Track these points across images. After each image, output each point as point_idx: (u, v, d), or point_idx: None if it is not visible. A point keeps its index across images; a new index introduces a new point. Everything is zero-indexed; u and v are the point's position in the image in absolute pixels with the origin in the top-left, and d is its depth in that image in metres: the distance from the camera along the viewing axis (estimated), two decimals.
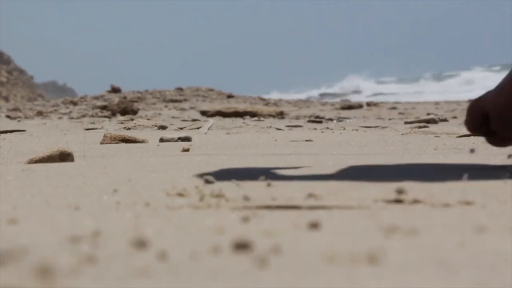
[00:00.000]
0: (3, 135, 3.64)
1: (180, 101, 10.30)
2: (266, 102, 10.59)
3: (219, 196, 1.33)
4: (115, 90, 11.26)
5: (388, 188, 1.40)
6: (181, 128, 4.22)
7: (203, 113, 6.45)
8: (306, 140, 2.79)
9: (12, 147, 2.76)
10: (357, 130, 3.74)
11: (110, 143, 2.78)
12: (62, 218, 1.13)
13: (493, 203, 1.25)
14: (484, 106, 1.85)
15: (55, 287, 0.72)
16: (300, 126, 3.93)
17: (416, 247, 0.90)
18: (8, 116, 6.76)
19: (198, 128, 4.10)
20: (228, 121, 5.57)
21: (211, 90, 11.77)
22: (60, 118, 6.55)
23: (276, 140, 2.84)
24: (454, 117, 6.05)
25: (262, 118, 5.98)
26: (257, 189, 1.41)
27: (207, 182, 1.50)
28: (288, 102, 11.91)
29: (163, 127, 4.24)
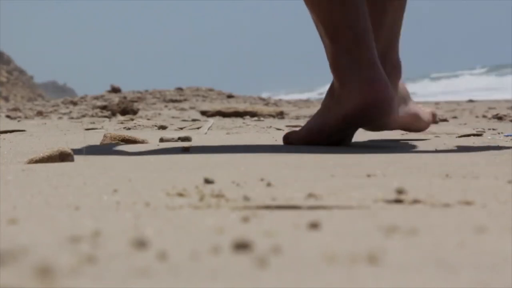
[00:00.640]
0: (3, 135, 3.64)
1: (180, 101, 10.30)
2: (266, 102, 10.59)
3: (219, 196, 1.33)
4: (115, 90, 11.25)
5: (388, 188, 1.40)
6: (181, 128, 4.22)
7: (203, 113, 6.44)
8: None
9: (12, 147, 2.76)
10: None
11: (110, 143, 2.78)
12: (62, 218, 1.13)
13: (493, 203, 1.25)
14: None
15: (55, 287, 0.72)
16: (300, 126, 3.93)
17: (416, 247, 0.90)
18: (8, 116, 6.76)
19: (198, 128, 4.10)
20: (228, 121, 5.57)
21: (211, 90, 11.76)
22: (60, 118, 6.55)
23: (276, 140, 2.84)
24: (454, 117, 6.04)
25: (262, 118, 5.98)
26: (257, 189, 1.41)
27: (207, 182, 1.50)
28: (288, 102, 11.91)
29: (163, 127, 4.24)
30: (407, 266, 0.80)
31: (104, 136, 2.84)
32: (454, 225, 1.05)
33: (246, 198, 1.30)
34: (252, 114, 6.27)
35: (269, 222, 1.07)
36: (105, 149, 2.53)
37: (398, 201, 1.27)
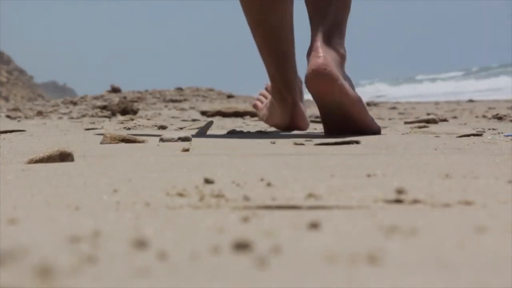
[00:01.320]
0: (3, 135, 3.63)
1: (180, 101, 10.30)
2: None
3: (219, 196, 1.33)
4: (115, 90, 11.25)
5: (388, 188, 1.40)
6: (181, 128, 4.22)
7: (203, 113, 6.44)
8: (306, 140, 2.78)
9: (12, 147, 2.76)
10: None
11: (110, 143, 2.78)
12: (62, 218, 1.13)
13: (493, 203, 1.25)
14: None
15: (55, 287, 0.72)
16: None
17: (416, 247, 0.90)
18: (8, 116, 6.76)
19: (198, 128, 4.09)
20: (228, 121, 5.57)
21: (211, 90, 11.76)
22: (60, 118, 6.55)
23: (274, 143, 2.84)
24: (454, 117, 6.04)
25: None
26: (257, 189, 1.41)
27: (207, 182, 1.50)
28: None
29: (163, 127, 4.24)
30: (407, 266, 0.80)
31: (104, 136, 2.84)
32: (454, 225, 1.05)
33: (246, 198, 1.30)
34: (252, 114, 6.27)
35: (269, 222, 1.07)
36: (105, 149, 2.53)
37: (398, 201, 1.27)
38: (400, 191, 1.32)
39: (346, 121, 2.77)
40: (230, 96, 11.28)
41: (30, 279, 0.74)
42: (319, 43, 2.65)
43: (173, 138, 2.85)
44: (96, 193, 1.38)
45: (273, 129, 3.79)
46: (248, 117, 6.20)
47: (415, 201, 1.26)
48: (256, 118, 5.97)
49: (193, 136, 3.17)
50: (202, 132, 3.40)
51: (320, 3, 2.75)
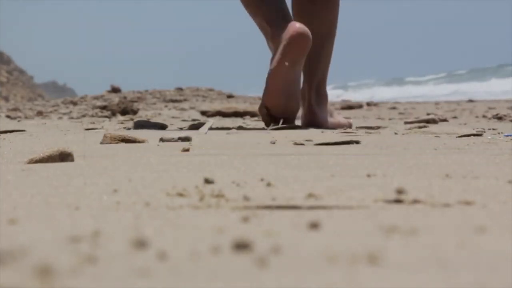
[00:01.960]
0: (3, 135, 3.64)
1: (180, 101, 10.30)
2: None
3: (219, 196, 1.33)
4: (115, 90, 11.25)
5: (388, 188, 1.40)
6: (181, 128, 4.22)
7: (203, 113, 6.44)
8: (306, 140, 2.78)
9: (12, 147, 2.76)
10: (357, 130, 3.74)
11: (110, 143, 2.78)
12: (62, 218, 1.13)
13: (493, 203, 1.25)
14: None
15: (55, 287, 0.72)
16: (300, 127, 3.93)
17: (416, 247, 0.90)
18: (8, 116, 6.76)
19: (198, 128, 4.09)
20: (228, 121, 5.57)
21: (211, 90, 11.76)
22: (60, 118, 6.55)
23: (274, 143, 2.84)
24: (454, 117, 6.05)
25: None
26: (257, 189, 1.41)
27: (207, 182, 1.50)
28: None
29: (163, 127, 4.24)
30: (407, 266, 0.80)
31: (104, 136, 2.84)
32: (454, 225, 1.05)
33: (246, 198, 1.30)
34: (252, 114, 6.27)
35: (269, 222, 1.07)
36: (105, 149, 2.53)
37: (398, 201, 1.27)
38: (400, 191, 1.32)
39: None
40: (230, 96, 11.28)
41: (30, 279, 0.74)
42: (312, 99, 3.81)
43: (173, 138, 2.85)
44: (96, 193, 1.38)
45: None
46: (248, 117, 6.20)
47: (415, 201, 1.26)
48: (256, 118, 5.98)
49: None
50: (201, 129, 3.40)
51: (311, 61, 3.69)
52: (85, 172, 1.74)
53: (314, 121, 3.78)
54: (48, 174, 1.71)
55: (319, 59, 3.75)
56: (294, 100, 3.58)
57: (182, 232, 1.00)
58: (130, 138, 2.82)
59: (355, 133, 3.40)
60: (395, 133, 3.38)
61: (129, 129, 4.20)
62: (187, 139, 2.86)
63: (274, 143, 2.75)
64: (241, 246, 0.88)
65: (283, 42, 3.37)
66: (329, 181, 1.52)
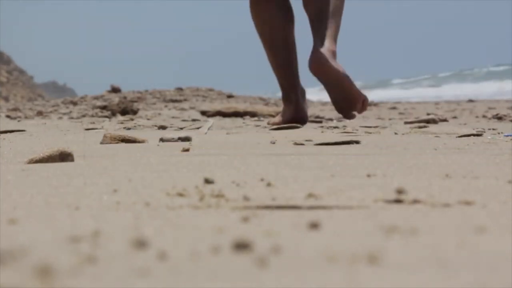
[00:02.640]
0: (3, 135, 3.64)
1: (180, 101, 10.30)
2: (266, 102, 10.59)
3: (219, 196, 1.33)
4: (115, 90, 11.24)
5: (388, 188, 1.40)
6: (181, 128, 4.22)
7: (203, 113, 6.44)
8: (306, 140, 2.79)
9: (12, 147, 2.76)
10: (357, 130, 3.74)
11: (110, 143, 2.78)
12: (62, 218, 1.13)
13: (493, 203, 1.25)
14: None
15: (55, 287, 0.72)
16: (299, 127, 3.92)
17: (416, 247, 0.90)
18: (8, 116, 6.76)
19: (198, 128, 4.10)
20: (228, 121, 5.57)
21: (211, 90, 11.76)
22: (60, 118, 6.55)
23: (274, 143, 2.84)
24: (454, 117, 6.05)
25: (262, 118, 5.98)
26: (257, 189, 1.41)
27: (207, 182, 1.50)
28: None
29: (163, 127, 4.24)
30: (407, 266, 0.80)
31: (104, 136, 2.84)
32: (454, 225, 1.05)
33: (246, 198, 1.30)
34: (252, 114, 6.27)
35: (269, 222, 1.07)
36: (105, 149, 2.53)
37: (398, 201, 1.27)
38: (400, 191, 1.32)
39: (343, 89, 3.94)
40: (230, 96, 11.28)
41: (30, 279, 0.74)
42: (318, 45, 3.94)
43: (173, 138, 2.85)
44: (96, 193, 1.38)
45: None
46: (248, 117, 6.20)
47: (415, 201, 1.26)
48: (255, 118, 5.98)
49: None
50: (201, 129, 3.40)
51: (319, 16, 4.02)
52: (85, 172, 1.74)
53: (322, 58, 3.89)
54: (48, 174, 1.71)
55: (327, 15, 4.04)
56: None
57: (182, 232, 1.00)
58: (130, 138, 2.82)
59: (355, 133, 3.40)
60: (395, 133, 3.38)
61: (129, 129, 4.21)
62: (187, 139, 2.86)
63: (274, 143, 2.75)
64: (241, 246, 0.88)
65: (286, 117, 4.22)
66: (329, 181, 1.52)
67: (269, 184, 1.46)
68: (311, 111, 6.43)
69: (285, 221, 1.08)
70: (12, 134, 3.77)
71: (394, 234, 0.98)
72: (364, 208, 1.20)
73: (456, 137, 3.05)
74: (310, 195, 1.32)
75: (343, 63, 3.94)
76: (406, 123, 4.64)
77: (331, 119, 5.37)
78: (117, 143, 2.78)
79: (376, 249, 0.88)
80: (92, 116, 6.52)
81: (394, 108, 8.72)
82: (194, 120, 5.66)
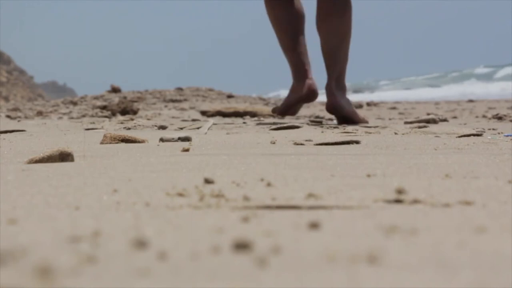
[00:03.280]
0: (3, 135, 3.64)
1: (180, 101, 10.30)
2: (266, 102, 10.59)
3: (219, 196, 1.33)
4: (115, 90, 11.24)
5: (388, 188, 1.40)
6: (181, 128, 4.22)
7: (203, 113, 6.44)
8: (306, 140, 2.79)
9: (12, 147, 2.76)
10: (357, 130, 3.74)
11: (110, 143, 2.78)
12: (62, 218, 1.13)
13: (493, 203, 1.25)
14: None
15: (55, 287, 0.72)
16: (299, 127, 3.92)
17: (416, 247, 0.90)
18: (8, 116, 6.76)
19: (198, 128, 4.10)
20: (228, 121, 5.57)
21: (211, 90, 11.76)
22: (60, 118, 6.55)
23: (274, 143, 2.84)
24: (454, 117, 6.04)
25: (262, 118, 5.98)
26: (257, 189, 1.41)
27: (207, 182, 1.50)
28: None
29: (163, 127, 4.24)
30: (407, 266, 0.80)
31: (104, 136, 2.84)
32: (454, 225, 1.05)
33: (246, 198, 1.30)
34: (252, 114, 6.27)
35: (269, 222, 1.07)
36: (105, 149, 2.53)
37: (398, 201, 1.27)
38: (400, 191, 1.32)
39: (351, 120, 4.66)
40: (230, 96, 11.28)
41: (30, 279, 0.74)
42: (332, 87, 4.67)
43: (173, 138, 2.85)
44: (96, 193, 1.38)
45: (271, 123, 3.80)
46: (248, 117, 6.21)
47: (415, 201, 1.26)
48: (255, 118, 5.98)
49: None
50: (201, 129, 3.40)
51: (331, 59, 4.69)
52: (85, 172, 1.74)
53: (336, 103, 4.61)
54: (48, 174, 1.71)
55: (339, 55, 4.70)
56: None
57: (182, 232, 1.00)
58: (130, 138, 2.82)
59: (355, 133, 3.40)
60: (395, 133, 3.38)
61: (129, 129, 4.21)
62: (187, 139, 2.86)
63: (274, 143, 2.75)
64: (241, 246, 0.88)
65: (300, 93, 4.69)
66: (329, 181, 1.52)
67: (269, 184, 1.46)
68: (311, 111, 6.43)
69: (285, 221, 1.08)
70: (12, 134, 3.77)
71: (394, 234, 0.98)
72: (364, 208, 1.20)
73: (456, 137, 3.05)
74: (310, 195, 1.32)
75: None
76: (406, 123, 4.63)
77: (331, 119, 5.37)
78: (117, 143, 2.78)
79: (376, 249, 0.88)
80: (92, 116, 6.52)
81: (394, 108, 8.71)
82: (194, 120, 5.66)
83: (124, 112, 6.42)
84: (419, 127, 3.85)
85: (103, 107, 6.95)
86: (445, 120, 5.05)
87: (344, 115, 4.59)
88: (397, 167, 1.79)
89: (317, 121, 4.94)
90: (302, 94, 4.65)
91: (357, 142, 2.69)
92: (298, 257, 0.85)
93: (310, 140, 2.77)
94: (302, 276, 0.76)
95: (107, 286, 0.73)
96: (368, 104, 9.60)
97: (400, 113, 7.16)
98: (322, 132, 3.51)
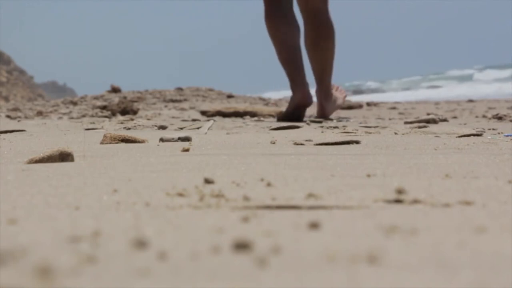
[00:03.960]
0: (3, 135, 3.64)
1: (180, 101, 10.30)
2: (266, 102, 10.59)
3: (219, 196, 1.33)
4: (115, 90, 11.24)
5: (388, 188, 1.40)
6: (181, 128, 4.22)
7: (203, 113, 6.44)
8: (306, 140, 2.79)
9: (12, 147, 2.76)
10: (357, 130, 3.74)
11: (110, 143, 2.78)
12: (62, 218, 1.13)
13: (493, 203, 1.25)
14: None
15: (55, 287, 0.72)
16: (299, 127, 3.92)
17: (416, 247, 0.90)
18: (8, 116, 6.76)
19: (198, 128, 4.10)
20: (228, 121, 5.57)
21: (211, 90, 11.75)
22: (60, 118, 6.55)
23: (274, 143, 2.84)
24: (454, 117, 6.05)
25: (262, 118, 5.98)
26: (257, 189, 1.41)
27: (207, 182, 1.50)
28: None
29: (163, 127, 4.24)
30: (407, 266, 0.80)
31: (104, 136, 2.84)
32: (454, 225, 1.05)
33: (246, 198, 1.30)
34: (252, 114, 6.28)
35: (269, 222, 1.07)
36: (105, 149, 2.53)
37: (398, 201, 1.27)
38: (400, 191, 1.32)
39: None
40: (230, 96, 11.27)
41: (30, 279, 0.74)
42: (321, 96, 5.63)
43: (173, 138, 2.85)
44: (96, 193, 1.38)
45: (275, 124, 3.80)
46: (248, 117, 6.21)
47: (415, 201, 1.26)
48: (255, 118, 5.98)
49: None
50: (201, 129, 3.40)
51: (319, 74, 5.63)
52: (85, 172, 1.74)
53: (324, 113, 5.55)
54: (48, 174, 1.71)
55: (326, 72, 5.64)
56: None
57: (182, 232, 1.00)
58: (130, 138, 2.82)
59: (355, 133, 3.40)
60: (395, 133, 3.38)
61: (129, 129, 4.21)
62: (187, 139, 2.86)
63: (274, 143, 2.75)
64: (241, 246, 0.88)
65: (296, 101, 5.40)
66: (329, 181, 1.52)
67: (269, 184, 1.46)
68: (311, 111, 6.43)
69: (285, 221, 1.08)
70: (12, 134, 3.77)
71: (394, 234, 0.98)
72: (364, 208, 1.20)
73: (456, 137, 3.05)
74: (310, 195, 1.32)
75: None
76: (406, 123, 4.63)
77: (331, 119, 5.37)
78: (117, 143, 2.79)
79: (376, 249, 0.88)
80: (92, 116, 6.52)
81: (394, 108, 8.71)
82: (194, 120, 5.66)
83: (124, 112, 6.41)
84: (419, 127, 3.85)
85: (103, 107, 6.95)
86: (445, 120, 5.05)
87: (328, 117, 5.55)
88: (397, 167, 1.79)
89: (317, 121, 4.94)
90: (296, 102, 5.38)
91: (357, 142, 2.69)
92: (298, 257, 0.85)
93: (310, 140, 2.77)
94: (302, 276, 0.76)
95: (107, 286, 0.73)
96: (368, 104, 9.60)
97: (400, 113, 7.16)
98: (322, 132, 3.51)
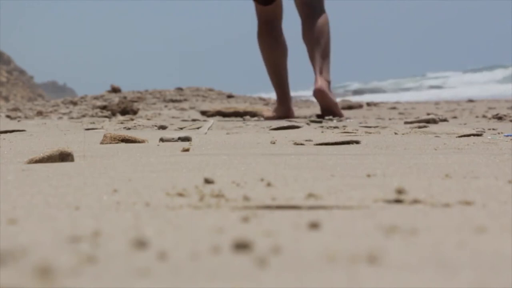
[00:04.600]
0: (3, 135, 3.64)
1: (180, 101, 10.30)
2: (266, 102, 10.59)
3: (219, 196, 1.33)
4: (115, 90, 11.24)
5: (388, 188, 1.40)
6: (181, 128, 4.22)
7: (203, 113, 6.44)
8: (306, 140, 2.79)
9: (12, 147, 2.76)
10: (357, 130, 3.74)
11: (110, 143, 2.78)
12: (62, 218, 1.13)
13: (493, 203, 1.25)
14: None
15: (55, 287, 0.72)
16: (299, 127, 3.92)
17: (416, 247, 0.90)
18: (8, 116, 6.76)
19: (198, 128, 4.09)
20: (228, 121, 5.57)
21: (211, 90, 11.75)
22: (60, 118, 6.55)
23: (274, 143, 2.84)
24: (454, 117, 6.04)
25: (262, 118, 5.98)
26: (257, 189, 1.41)
27: (207, 182, 1.50)
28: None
29: (163, 127, 4.24)
30: (407, 266, 0.80)
31: (104, 136, 2.84)
32: (454, 225, 1.05)
33: (246, 198, 1.30)
34: (252, 114, 6.28)
35: (269, 222, 1.07)
36: (105, 149, 2.53)
37: (398, 201, 1.27)
38: (400, 191, 1.32)
39: (330, 109, 5.77)
40: (230, 96, 11.28)
41: (30, 279, 0.74)
42: (318, 77, 5.75)
43: (173, 138, 2.85)
44: (96, 193, 1.38)
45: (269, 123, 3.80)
46: (248, 117, 6.21)
47: (415, 201, 1.26)
48: (255, 118, 5.99)
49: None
50: (201, 129, 3.39)
51: (315, 53, 5.89)
52: (85, 172, 1.74)
53: (322, 88, 5.70)
54: (48, 174, 1.71)
55: (322, 56, 5.90)
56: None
57: (182, 232, 1.00)
58: (130, 138, 2.82)
59: (355, 133, 3.40)
60: (395, 133, 3.38)
61: (129, 129, 4.21)
62: (187, 139, 2.86)
63: (274, 143, 2.75)
64: (241, 246, 0.88)
65: (280, 114, 6.02)
66: (329, 181, 1.52)
67: (269, 184, 1.46)
68: (311, 111, 6.45)
69: (285, 221, 1.08)
70: (12, 134, 3.77)
71: (394, 234, 0.98)
72: (364, 208, 1.20)
73: (456, 137, 3.05)
74: (310, 195, 1.32)
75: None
76: (406, 123, 4.63)
77: (331, 119, 5.37)
78: (117, 143, 2.79)
79: (376, 249, 0.88)
80: (92, 116, 6.52)
81: (394, 108, 8.71)
82: (194, 120, 5.66)
83: (124, 112, 6.41)
84: (419, 127, 3.85)
85: (103, 107, 6.95)
86: (445, 120, 5.05)
87: (328, 102, 5.74)
88: (397, 167, 1.79)
89: (317, 121, 4.94)
90: (280, 115, 5.97)
91: (357, 142, 2.69)
92: (298, 257, 0.85)
93: (310, 140, 2.77)
94: (302, 276, 0.76)
95: (107, 286, 0.73)
96: (368, 104, 9.59)
97: (400, 113, 7.16)
98: (322, 132, 3.51)
